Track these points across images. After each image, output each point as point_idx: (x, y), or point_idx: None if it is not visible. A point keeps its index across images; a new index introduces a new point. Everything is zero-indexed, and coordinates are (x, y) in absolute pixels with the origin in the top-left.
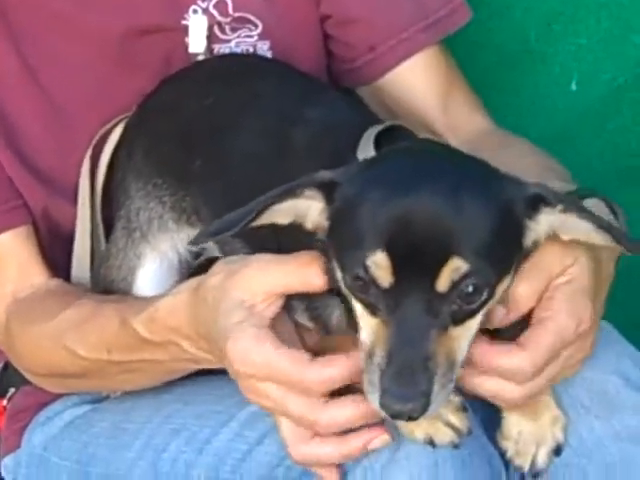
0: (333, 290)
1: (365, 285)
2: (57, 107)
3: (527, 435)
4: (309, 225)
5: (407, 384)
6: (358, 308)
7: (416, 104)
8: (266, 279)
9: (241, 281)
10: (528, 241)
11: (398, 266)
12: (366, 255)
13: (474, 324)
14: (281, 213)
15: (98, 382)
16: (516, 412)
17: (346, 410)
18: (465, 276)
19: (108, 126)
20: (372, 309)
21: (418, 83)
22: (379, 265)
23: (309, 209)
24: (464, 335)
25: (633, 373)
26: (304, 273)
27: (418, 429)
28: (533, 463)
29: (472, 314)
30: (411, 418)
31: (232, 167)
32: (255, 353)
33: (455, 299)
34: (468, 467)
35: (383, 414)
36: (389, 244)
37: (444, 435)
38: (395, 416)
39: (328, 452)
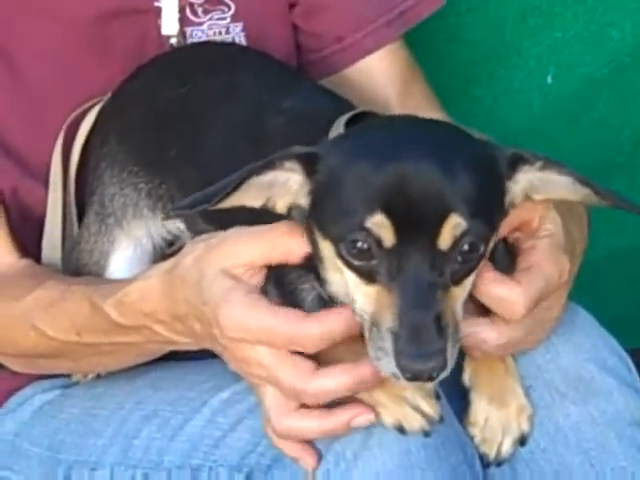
0: (306, 273)
1: (364, 251)
2: (28, 87)
3: (494, 422)
4: (280, 206)
5: (424, 343)
6: (352, 279)
7: (376, 95)
8: (246, 250)
9: (220, 254)
10: (507, 201)
11: (398, 226)
12: (365, 218)
13: (469, 283)
14: (255, 193)
15: (69, 363)
16: (484, 397)
17: (335, 378)
18: (464, 233)
19: (81, 109)
20: (370, 277)
21: (380, 75)
22: (381, 225)
23: (288, 182)
24: (462, 295)
25: (609, 359)
26: (284, 242)
27: (388, 414)
28: (499, 452)
29: (469, 273)
30: (430, 378)
31: (208, 156)
32: (250, 316)
33: (456, 257)
34: (442, 455)
35: (400, 378)
36: (387, 205)
37: (414, 421)
38: (415, 377)
39: (311, 426)
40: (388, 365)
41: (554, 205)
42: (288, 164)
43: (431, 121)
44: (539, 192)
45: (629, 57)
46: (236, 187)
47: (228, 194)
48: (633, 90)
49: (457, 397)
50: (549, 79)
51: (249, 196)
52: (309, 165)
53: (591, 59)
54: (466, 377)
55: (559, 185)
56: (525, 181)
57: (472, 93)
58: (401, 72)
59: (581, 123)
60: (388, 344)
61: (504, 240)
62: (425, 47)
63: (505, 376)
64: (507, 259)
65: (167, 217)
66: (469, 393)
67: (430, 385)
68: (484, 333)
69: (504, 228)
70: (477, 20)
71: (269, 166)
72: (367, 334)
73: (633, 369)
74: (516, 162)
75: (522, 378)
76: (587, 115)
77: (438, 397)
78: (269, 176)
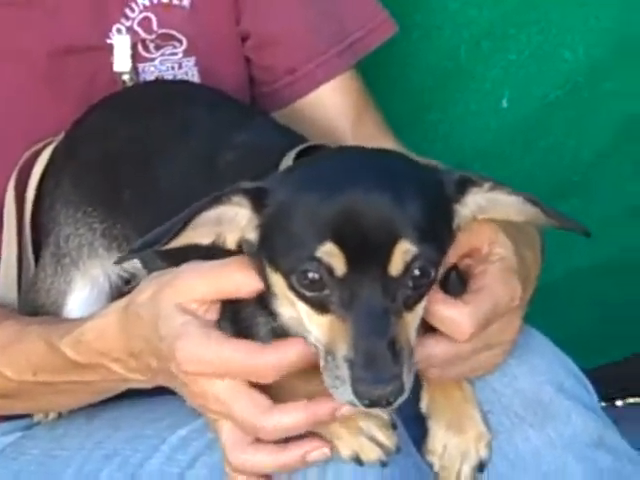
0: (260, 308)
1: (316, 282)
2: None
3: (452, 450)
4: (230, 242)
5: (380, 369)
6: (304, 310)
7: (329, 126)
8: (197, 286)
9: (174, 290)
10: (455, 225)
11: (349, 255)
12: (315, 247)
13: (420, 309)
14: (204, 230)
15: (26, 403)
16: (442, 425)
17: (291, 416)
18: (414, 258)
19: (34, 149)
20: (323, 307)
21: (333, 106)
22: (331, 254)
23: (236, 216)
24: (414, 320)
25: (566, 381)
26: (235, 278)
27: (344, 446)
28: (458, 479)
29: (420, 298)
30: (388, 404)
31: (161, 194)
32: (206, 348)
33: (407, 282)
34: None
35: (358, 405)
36: (337, 234)
37: (371, 452)
38: (372, 403)
39: (266, 460)
40: (345, 393)
41: (504, 229)
42: (235, 199)
43: (377, 150)
44: (487, 213)
45: (583, 78)
46: (184, 225)
47: (176, 233)
48: (588, 111)
49: (415, 425)
50: (504, 102)
51: (198, 233)
52: (257, 199)
53: (546, 81)
54: (424, 405)
55: (507, 205)
56: (474, 203)
57: (428, 119)
58: (354, 102)
59: (537, 144)
60: (344, 372)
61: (456, 269)
62: (379, 74)
63: (463, 403)
64: (460, 288)
65: (119, 261)
66: (427, 421)
67: (386, 415)
68: (429, 348)
69: (453, 254)
70: (431, 47)
71: (216, 202)
72: (323, 364)
73: (591, 389)
74: (464, 185)
75: (480, 403)
76: (543, 136)
77: (395, 427)
78: (217, 212)
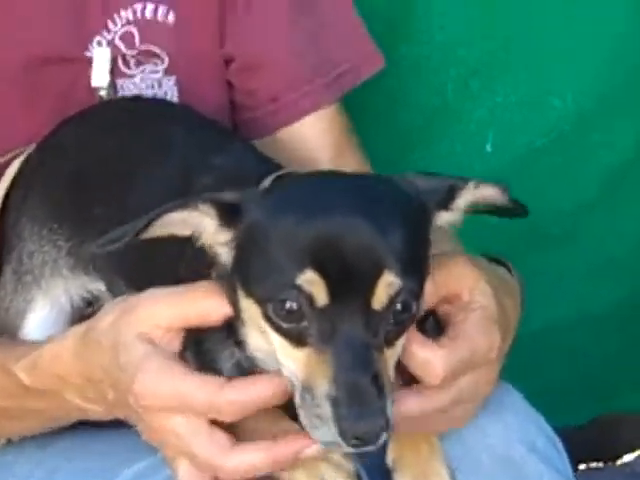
0: (225, 339)
1: (294, 312)
2: None
3: None
4: (206, 240)
5: (365, 404)
6: (279, 342)
7: (307, 158)
8: (164, 312)
9: (137, 317)
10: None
11: (331, 284)
12: (296, 275)
13: (400, 346)
14: (176, 224)
15: None
16: (407, 477)
17: (252, 456)
18: (398, 292)
19: (3, 159)
20: (299, 340)
21: (313, 139)
22: (312, 282)
23: (201, 224)
24: (393, 357)
25: (538, 440)
26: (203, 303)
27: None
28: None
29: (401, 334)
30: (374, 442)
31: (133, 214)
32: (165, 383)
33: (389, 317)
34: None
35: (342, 446)
36: (318, 262)
37: None
38: (359, 442)
39: None
40: (328, 433)
41: (485, 279)
42: (203, 207)
43: (360, 174)
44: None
45: (570, 126)
46: (148, 224)
47: (139, 232)
48: (573, 161)
49: (379, 475)
50: (488, 147)
51: (172, 227)
52: (226, 213)
53: (532, 127)
54: (390, 458)
55: (488, 198)
56: (463, 203)
57: (412, 157)
58: (335, 138)
59: (520, 192)
60: (326, 410)
61: (434, 315)
62: (365, 109)
63: (430, 457)
64: (437, 333)
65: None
66: (392, 474)
67: (351, 465)
68: (404, 400)
69: (432, 295)
70: (418, 83)
71: (182, 206)
72: (299, 401)
73: (561, 449)
74: (453, 191)
75: (449, 459)
76: (526, 184)
77: (359, 478)
78: (182, 215)
